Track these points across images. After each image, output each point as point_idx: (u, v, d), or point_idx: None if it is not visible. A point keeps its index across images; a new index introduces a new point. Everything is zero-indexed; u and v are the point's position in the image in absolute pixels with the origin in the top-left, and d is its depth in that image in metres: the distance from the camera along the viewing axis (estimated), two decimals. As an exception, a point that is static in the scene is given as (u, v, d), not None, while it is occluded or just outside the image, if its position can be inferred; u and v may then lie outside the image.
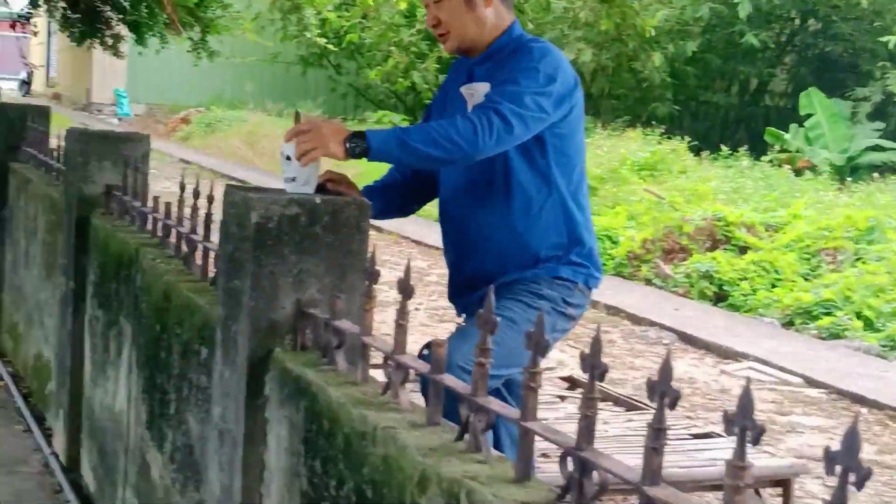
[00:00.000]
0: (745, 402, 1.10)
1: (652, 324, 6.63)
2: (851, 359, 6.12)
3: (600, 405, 4.29)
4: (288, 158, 2.20)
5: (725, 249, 8.41)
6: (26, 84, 32.09)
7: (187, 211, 2.74)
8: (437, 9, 2.45)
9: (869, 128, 15.25)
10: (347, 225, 2.01)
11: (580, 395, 4.39)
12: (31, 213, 4.52)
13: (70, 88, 28.43)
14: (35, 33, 16.23)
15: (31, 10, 14.47)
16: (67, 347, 3.58)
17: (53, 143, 4.51)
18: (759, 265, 7.99)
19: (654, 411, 1.23)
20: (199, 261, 2.64)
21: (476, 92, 2.42)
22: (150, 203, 3.09)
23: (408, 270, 1.70)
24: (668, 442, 3.62)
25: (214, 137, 19.12)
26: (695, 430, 3.80)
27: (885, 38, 15.09)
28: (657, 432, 1.21)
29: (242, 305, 1.98)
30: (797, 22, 17.64)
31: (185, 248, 2.73)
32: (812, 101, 15.20)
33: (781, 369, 5.72)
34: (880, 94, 15.36)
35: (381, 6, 12.87)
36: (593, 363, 1.30)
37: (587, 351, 1.31)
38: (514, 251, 2.42)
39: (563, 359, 5.63)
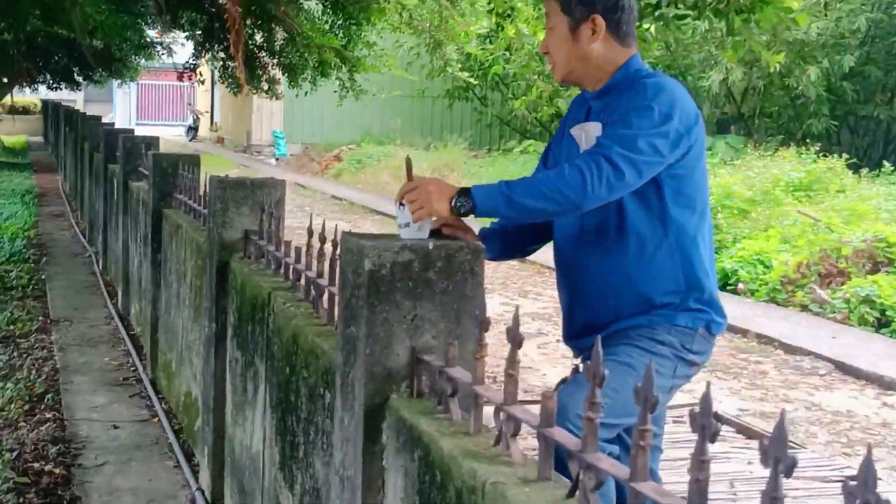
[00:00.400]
0: (867, 473, 1.01)
1: (807, 353, 6.31)
2: None
3: (747, 443, 4.10)
4: (402, 205, 2.20)
5: (888, 272, 7.94)
6: (193, 129, 33.86)
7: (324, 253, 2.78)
8: (548, 36, 2.42)
9: None
10: (461, 269, 1.99)
11: (727, 434, 4.18)
12: (181, 258, 4.72)
13: (232, 132, 29.80)
14: (201, 82, 17.09)
15: (195, 62, 15.25)
16: (211, 387, 3.69)
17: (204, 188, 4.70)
18: (926, 288, 7.51)
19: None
20: (326, 305, 2.67)
21: (587, 133, 2.35)
22: (283, 247, 3.16)
23: (516, 318, 1.65)
24: (820, 485, 3.42)
25: (364, 173, 19.58)
26: (850, 472, 3.56)
27: None
28: (773, 502, 1.12)
29: (358, 352, 1.99)
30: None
31: (313, 292, 2.77)
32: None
33: (952, 402, 5.32)
34: None
35: (524, 37, 12.90)
36: (703, 423, 1.22)
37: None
38: (627, 297, 2.33)
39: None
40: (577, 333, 2.45)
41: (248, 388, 3.26)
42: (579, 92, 2.52)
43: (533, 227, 2.57)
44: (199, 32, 14.04)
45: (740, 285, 8.80)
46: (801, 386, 5.68)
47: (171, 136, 34.74)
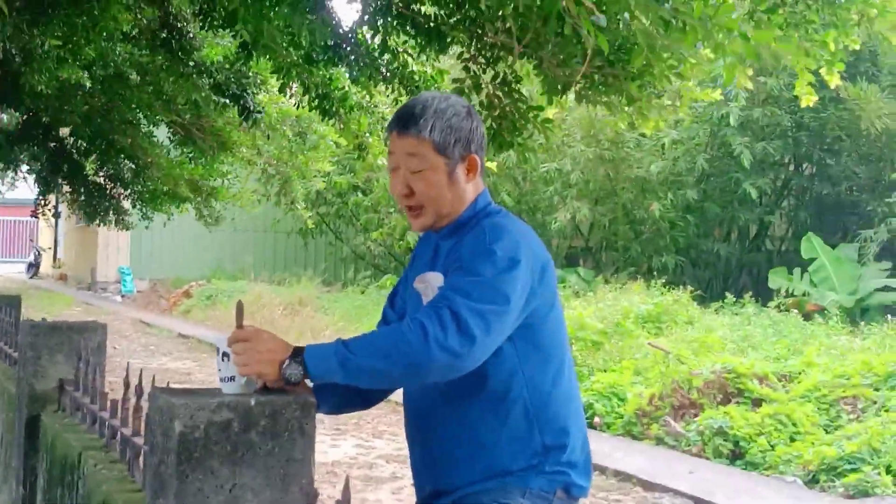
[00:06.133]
0: None
1: (666, 489, 6.20)
2: (884, 520, 5.66)
3: None
4: (225, 356, 1.93)
5: (738, 403, 8.02)
6: (34, 266, 32.40)
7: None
8: (414, 179, 2.14)
9: (876, 268, 15.01)
10: (289, 429, 1.74)
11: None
12: (-8, 408, 4.24)
13: (76, 268, 28.66)
14: (56, 215, 16.39)
15: (44, 197, 14.64)
16: (17, 561, 3.24)
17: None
18: (775, 418, 7.58)
19: None
20: (142, 467, 2.35)
21: (429, 284, 2.12)
22: (99, 399, 2.82)
23: (346, 492, 1.41)
24: None
25: (215, 310, 18.95)
26: None
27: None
28: None
29: (167, 531, 1.69)
30: (791, 168, 17.75)
31: (128, 452, 2.44)
32: (813, 245, 15.08)
33: (810, 536, 5.27)
34: (885, 234, 15.16)
35: (382, 169, 12.94)
36: None
37: None
38: (478, 463, 2.08)
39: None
40: (425, 499, 2.19)
41: (54, 563, 2.84)
42: None
43: None
44: (40, 167, 13.54)
45: (596, 419, 8.73)
46: (661, 525, 5.54)
47: (11, 274, 33.09)
